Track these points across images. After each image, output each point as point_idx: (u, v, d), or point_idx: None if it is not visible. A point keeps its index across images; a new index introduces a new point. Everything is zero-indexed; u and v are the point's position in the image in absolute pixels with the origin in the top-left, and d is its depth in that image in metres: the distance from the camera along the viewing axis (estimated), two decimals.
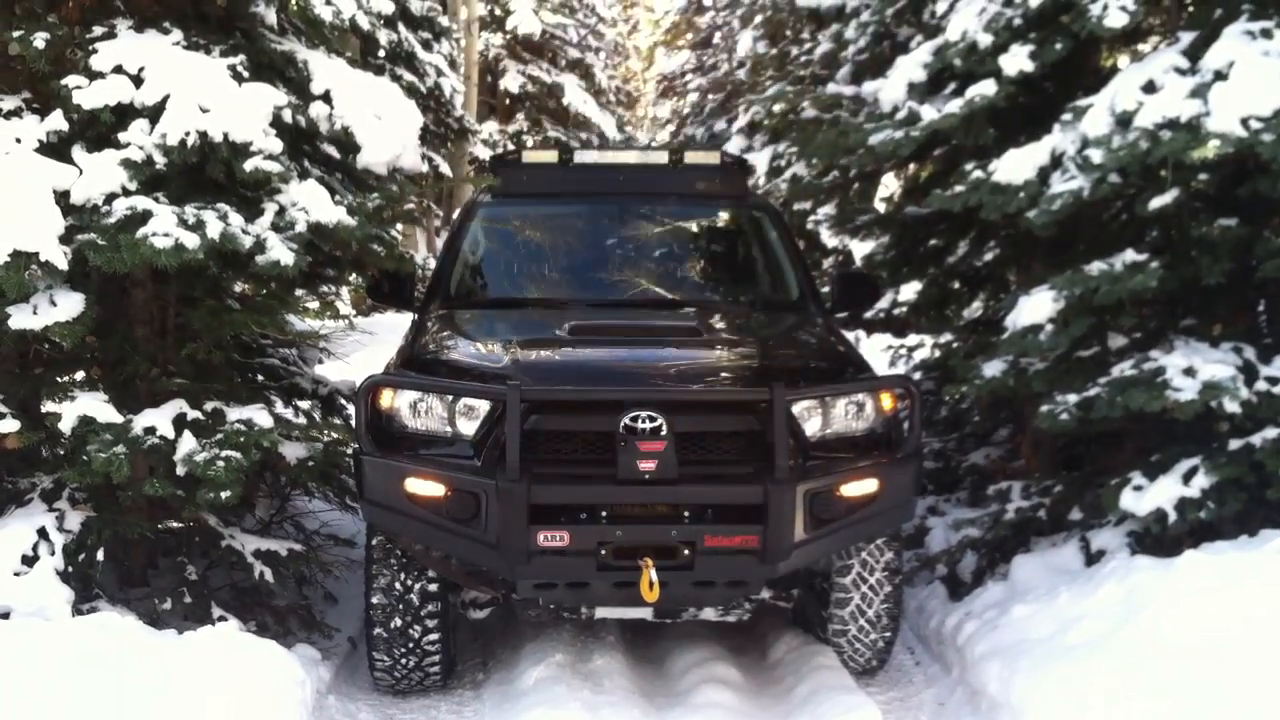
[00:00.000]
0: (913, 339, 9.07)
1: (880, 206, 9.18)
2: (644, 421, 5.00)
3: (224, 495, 5.21)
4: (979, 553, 6.55)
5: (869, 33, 7.39)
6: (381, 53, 16.86)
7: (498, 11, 27.13)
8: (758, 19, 18.03)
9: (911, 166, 8.49)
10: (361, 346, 7.88)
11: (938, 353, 8.90)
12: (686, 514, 4.99)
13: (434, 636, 5.54)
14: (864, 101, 6.99)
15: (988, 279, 8.28)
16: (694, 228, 7.14)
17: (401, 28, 17.64)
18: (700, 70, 31.99)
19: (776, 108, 7.71)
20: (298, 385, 6.84)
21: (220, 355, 5.74)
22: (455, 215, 7.23)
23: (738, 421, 5.18)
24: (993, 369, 6.16)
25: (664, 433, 4.99)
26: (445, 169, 18.90)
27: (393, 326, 10.20)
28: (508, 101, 28.41)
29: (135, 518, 5.61)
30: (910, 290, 8.62)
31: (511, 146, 26.61)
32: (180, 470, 5.25)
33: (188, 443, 5.29)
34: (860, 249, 9.70)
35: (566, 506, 4.98)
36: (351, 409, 7.00)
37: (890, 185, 9.02)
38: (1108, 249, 6.47)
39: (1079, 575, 5.79)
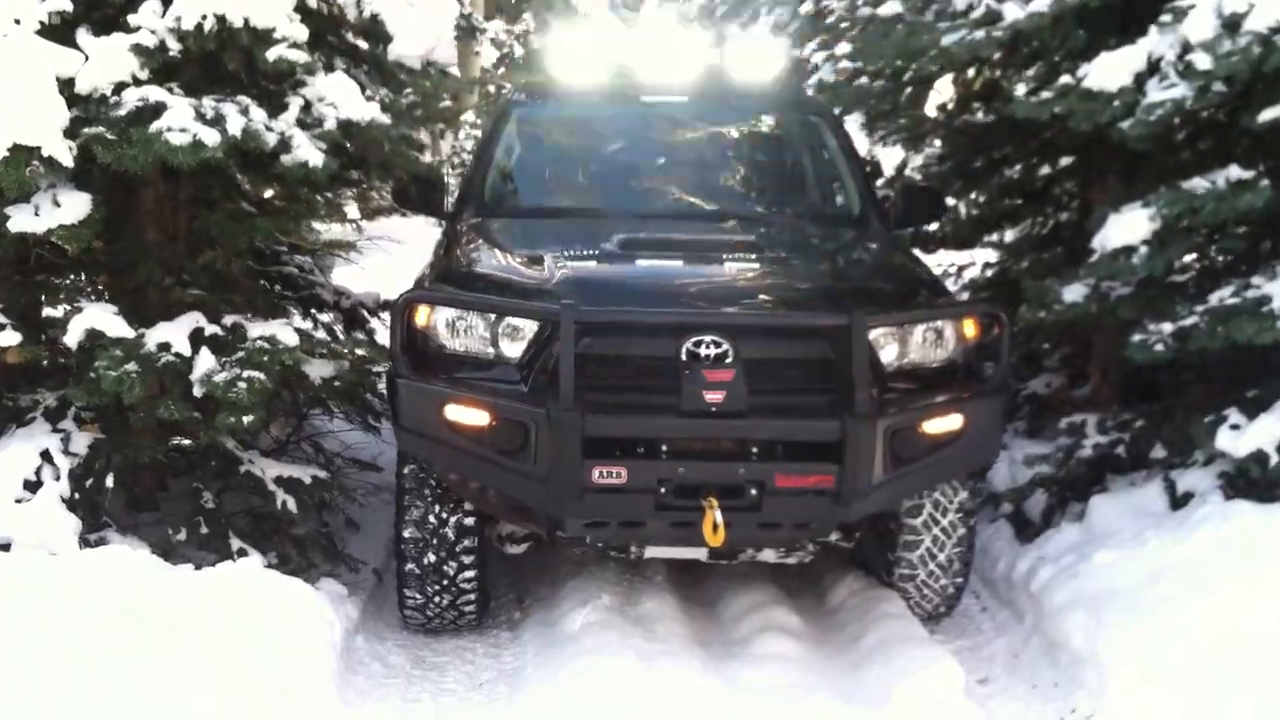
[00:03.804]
0: (964, 256, 8.56)
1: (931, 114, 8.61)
2: (709, 347, 4.54)
3: (246, 419, 4.76)
4: (1049, 491, 6.11)
5: None
6: None
7: None
8: None
9: (970, 71, 7.92)
10: (380, 252, 7.34)
11: (989, 272, 8.40)
12: (755, 450, 4.54)
13: (470, 574, 5.14)
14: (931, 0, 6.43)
15: (1049, 193, 7.77)
16: (747, 134, 6.61)
17: None
18: None
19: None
20: (318, 296, 6.38)
21: (240, 264, 5.24)
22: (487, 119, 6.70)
23: (810, 348, 4.71)
24: (1073, 293, 5.67)
25: (730, 360, 4.53)
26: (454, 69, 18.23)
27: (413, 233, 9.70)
28: (514, 1, 27.55)
29: (147, 440, 5.16)
30: (964, 204, 8.11)
31: (520, 47, 25.88)
32: (198, 391, 4.79)
33: (206, 361, 4.83)
34: (889, 158, 9.19)
35: (623, 440, 4.53)
36: (375, 323, 6.56)
37: (944, 92, 8.45)
38: (1202, 165, 6.02)
39: (1165, 519, 5.37)
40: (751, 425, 4.51)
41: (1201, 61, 4.98)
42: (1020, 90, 7.63)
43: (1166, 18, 5.21)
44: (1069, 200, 7.59)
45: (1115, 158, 6.50)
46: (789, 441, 4.55)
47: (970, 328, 4.93)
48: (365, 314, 6.50)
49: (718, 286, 4.98)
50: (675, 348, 4.55)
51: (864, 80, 9.70)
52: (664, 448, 4.52)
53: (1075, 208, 7.52)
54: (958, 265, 8.54)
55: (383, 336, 6.18)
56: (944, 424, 4.70)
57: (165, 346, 4.80)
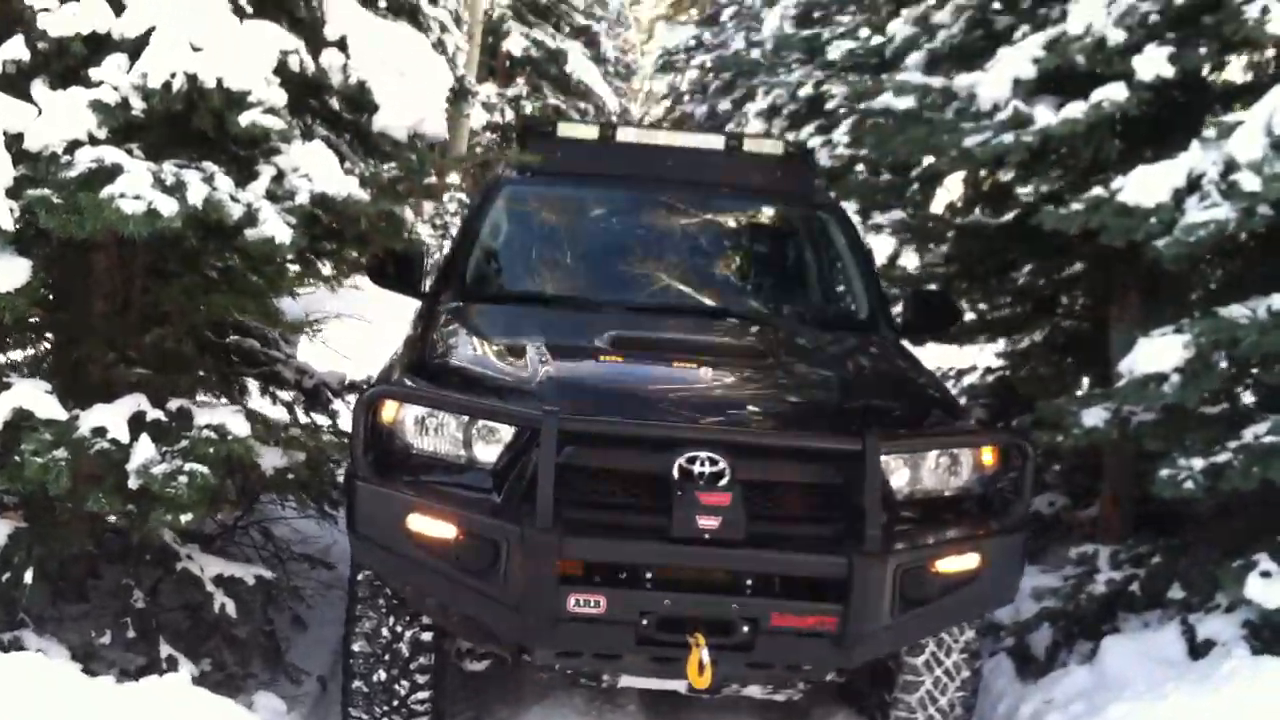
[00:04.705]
0: (965, 361, 8.17)
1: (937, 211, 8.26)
2: (704, 465, 4.11)
3: (185, 518, 4.28)
4: (1055, 626, 5.67)
5: (964, 18, 6.46)
6: (383, 2, 15.88)
7: None
8: None
9: (982, 171, 7.58)
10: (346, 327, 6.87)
11: (990, 379, 8.01)
12: (750, 583, 4.11)
13: (424, 694, 4.64)
14: (953, 96, 6.06)
15: (1059, 302, 7.42)
16: (752, 227, 6.24)
17: None
18: (703, 47, 31.00)
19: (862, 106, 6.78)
20: (278, 374, 5.91)
21: (192, 344, 4.78)
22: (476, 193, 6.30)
23: (814, 471, 4.30)
24: (1093, 417, 5.27)
25: (727, 481, 4.10)
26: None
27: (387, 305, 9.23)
28: (508, 64, 27.34)
29: (76, 530, 4.68)
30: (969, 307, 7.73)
31: (510, 112, 25.64)
32: (133, 483, 4.30)
33: (145, 449, 4.34)
34: (879, 246, 8.85)
35: (605, 565, 4.08)
36: (338, 404, 6.11)
37: (953, 189, 8.12)
38: (1231, 287, 5.67)
39: (1186, 670, 4.93)
40: (749, 557, 4.07)
41: (1248, 182, 4.63)
42: (1027, 191, 7.39)
43: (1211, 133, 4.87)
44: (1083, 311, 7.22)
45: (1137, 273, 6.15)
46: (788, 576, 4.11)
47: (989, 456, 4.52)
48: (329, 395, 6.03)
49: (715, 397, 4.57)
50: (667, 463, 4.13)
51: (860, 169, 9.40)
52: (649, 575, 4.08)
53: (1089, 320, 7.15)
54: (957, 369, 8.14)
55: (346, 421, 5.73)
56: (959, 563, 4.28)
57: (101, 431, 4.32)
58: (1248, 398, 5.24)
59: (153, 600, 5.00)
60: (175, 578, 4.94)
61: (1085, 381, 7.21)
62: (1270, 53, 5.79)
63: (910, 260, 8.78)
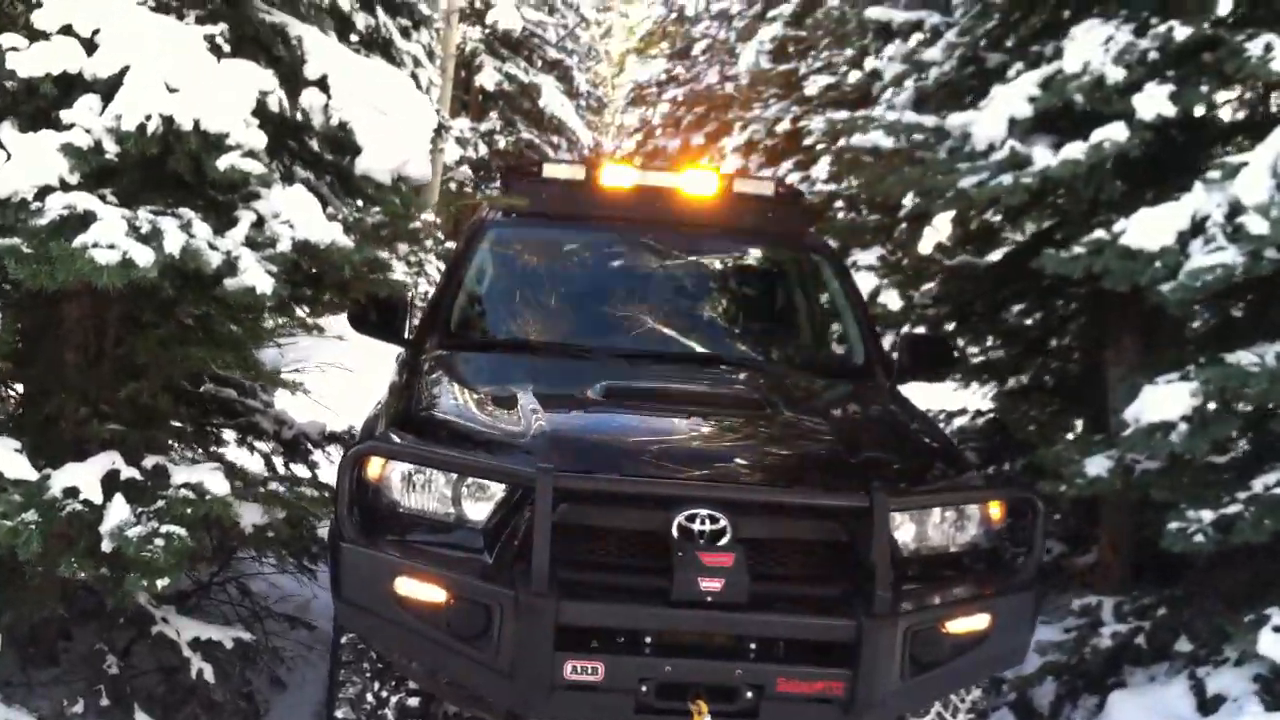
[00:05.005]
0: (955, 404, 8.03)
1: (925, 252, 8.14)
2: (704, 523, 3.95)
3: (161, 583, 4.07)
4: (1059, 679, 5.51)
5: (956, 56, 6.34)
6: (355, 37, 15.72)
7: (478, 4, 25.96)
8: (763, 32, 16.98)
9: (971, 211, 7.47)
10: (326, 375, 6.67)
11: (980, 421, 7.87)
12: (754, 647, 3.93)
13: None
14: (946, 134, 5.94)
15: (1051, 343, 7.29)
16: (744, 270, 6.09)
17: (380, 11, 16.52)
18: (675, 81, 31.00)
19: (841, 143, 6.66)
20: (256, 425, 5.71)
21: (167, 398, 4.58)
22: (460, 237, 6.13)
23: (818, 529, 4.14)
24: (1096, 466, 5.14)
25: (728, 539, 3.93)
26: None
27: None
28: (481, 98, 27.25)
29: (47, 593, 4.47)
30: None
31: (484, 146, 25.52)
32: (107, 546, 4.10)
33: (119, 510, 4.14)
34: (862, 284, 8.74)
35: (602, 630, 3.90)
36: (318, 455, 5.92)
37: (941, 229, 8.00)
38: (1230, 329, 5.55)
39: None
40: (753, 620, 3.90)
41: (1254, 225, 4.52)
42: (1019, 234, 7.27)
43: (1215, 174, 4.76)
44: (1076, 352, 7.09)
45: (1132, 314, 6.03)
46: (794, 639, 3.94)
47: (996, 510, 4.37)
48: (308, 446, 5.83)
49: (714, 450, 4.40)
50: (666, 522, 3.96)
51: (840, 205, 9.29)
52: (649, 640, 3.90)
53: (1082, 361, 7.03)
54: (947, 412, 8.00)
55: (326, 473, 5.53)
56: (970, 623, 4.11)
57: (73, 492, 4.12)
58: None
59: (127, 663, 4.80)
60: (150, 641, 4.73)
61: (1079, 424, 7.08)
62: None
63: (891, 298, 8.68)
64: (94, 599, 4.93)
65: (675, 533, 3.94)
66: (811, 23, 13.67)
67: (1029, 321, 7.32)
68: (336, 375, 6.46)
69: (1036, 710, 5.54)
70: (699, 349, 5.55)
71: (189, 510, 4.17)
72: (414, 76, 17.39)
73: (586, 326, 5.62)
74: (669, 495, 4.00)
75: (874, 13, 7.14)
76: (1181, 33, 5.16)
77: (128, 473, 4.32)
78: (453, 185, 22.98)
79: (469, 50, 26.14)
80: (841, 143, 7.24)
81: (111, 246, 3.91)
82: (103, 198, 4.16)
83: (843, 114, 7.60)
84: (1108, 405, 6.34)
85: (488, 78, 26.41)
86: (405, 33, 17.97)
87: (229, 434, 5.84)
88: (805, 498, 4.15)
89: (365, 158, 4.80)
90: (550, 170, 6.11)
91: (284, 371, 5.23)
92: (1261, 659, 4.73)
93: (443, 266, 9.75)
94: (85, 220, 4.01)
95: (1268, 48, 4.83)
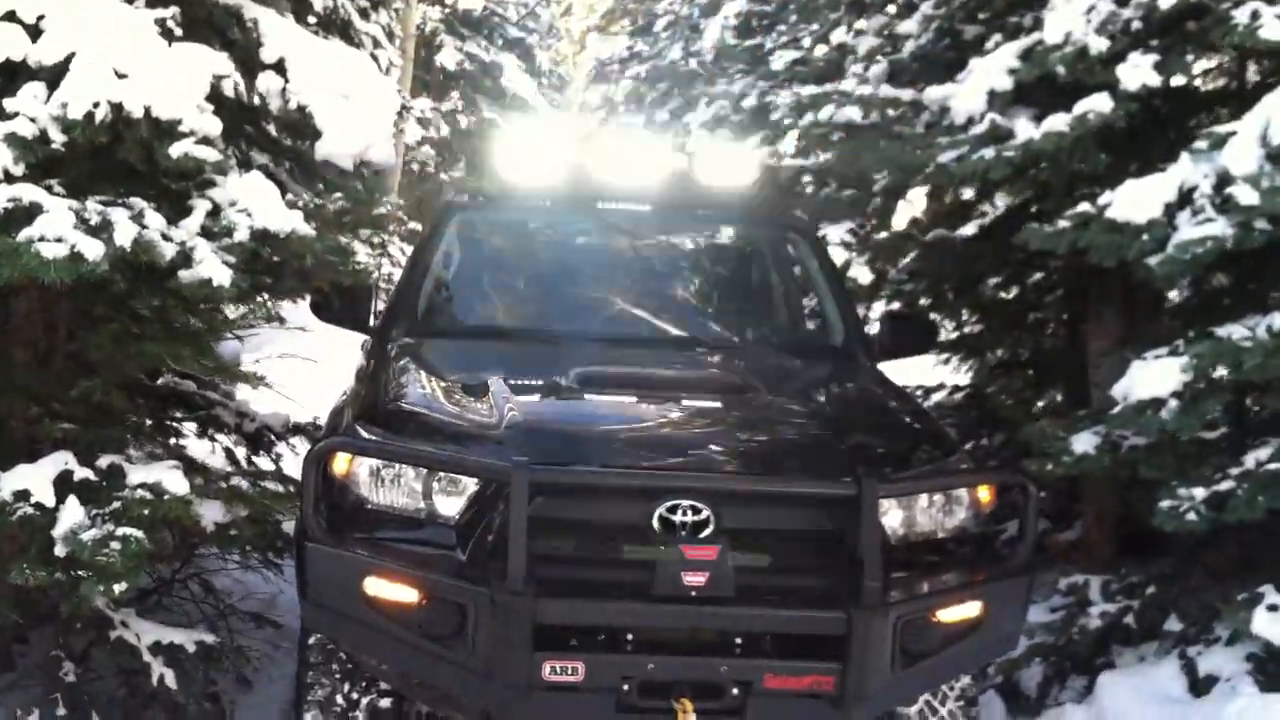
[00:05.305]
0: (932, 379, 7.92)
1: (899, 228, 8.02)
2: (686, 514, 3.80)
3: (118, 588, 3.90)
4: (1046, 661, 5.41)
5: (932, 28, 6.19)
6: (313, 19, 15.44)
7: None
8: (727, 7, 16.77)
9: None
10: (290, 365, 6.48)
11: (958, 397, 7.77)
12: (740, 642, 3.79)
13: None
14: (922, 108, 5.81)
15: (1029, 317, 7.20)
16: (721, 250, 5.93)
17: None
18: (638, 58, 30.71)
19: (809, 118, 6.49)
20: (217, 418, 5.52)
21: (121, 395, 4.40)
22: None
23: (804, 517, 3.99)
24: (1083, 443, 5.03)
25: (711, 531, 3.79)
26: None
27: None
28: (442, 78, 26.93)
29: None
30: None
31: (445, 126, 25.22)
32: (60, 550, 3.93)
33: (73, 513, 3.97)
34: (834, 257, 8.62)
35: (582, 628, 3.75)
36: (282, 447, 5.74)
37: (916, 204, 7.88)
38: (1214, 302, 5.45)
39: (1189, 708, 4.74)
40: (739, 615, 3.75)
41: (1244, 196, 4.40)
42: (996, 206, 7.14)
43: (1202, 145, 4.64)
44: (1055, 326, 6.99)
45: (1113, 286, 5.93)
46: (782, 633, 3.81)
47: (985, 494, 4.24)
48: (272, 438, 5.65)
49: (695, 437, 4.25)
50: (646, 513, 3.81)
51: (808, 180, 9.15)
52: (629, 637, 3.76)
53: (1062, 335, 6.93)
54: (925, 387, 7.89)
55: (290, 466, 5.36)
56: (961, 612, 3.97)
57: (24, 495, 3.95)
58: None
59: (85, 668, 4.62)
60: (109, 645, 4.56)
61: (1059, 398, 6.99)
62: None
63: (861, 273, 8.57)
64: (50, 602, 4.75)
65: (656, 525, 3.79)
66: None
67: (1006, 295, 7.22)
68: (300, 364, 6.28)
69: (1024, 693, 5.44)
70: (676, 331, 5.40)
71: (146, 511, 4.01)
72: (374, 57, 17.11)
73: (558, 310, 5.46)
74: (649, 486, 3.85)
75: None
76: (1165, 1, 5.04)
77: (81, 473, 4.15)
78: (415, 167, 22.70)
79: (429, 30, 25.83)
80: (810, 118, 7.08)
81: (59, 240, 3.74)
82: (50, 189, 4.00)
83: (810, 89, 7.43)
84: (1088, 379, 6.25)
85: (448, 57, 26.08)
86: (364, 13, 17.71)
87: (189, 427, 5.66)
88: (791, 486, 4.00)
89: (326, 142, 4.63)
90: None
91: (245, 364, 5.04)
92: (1255, 638, 4.63)
93: (407, 249, 9.57)
94: (31, 213, 3.84)
95: (1255, 15, 4.69)
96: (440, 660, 3.78)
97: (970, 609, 3.99)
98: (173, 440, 5.49)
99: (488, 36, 27.70)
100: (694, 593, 3.70)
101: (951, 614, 3.96)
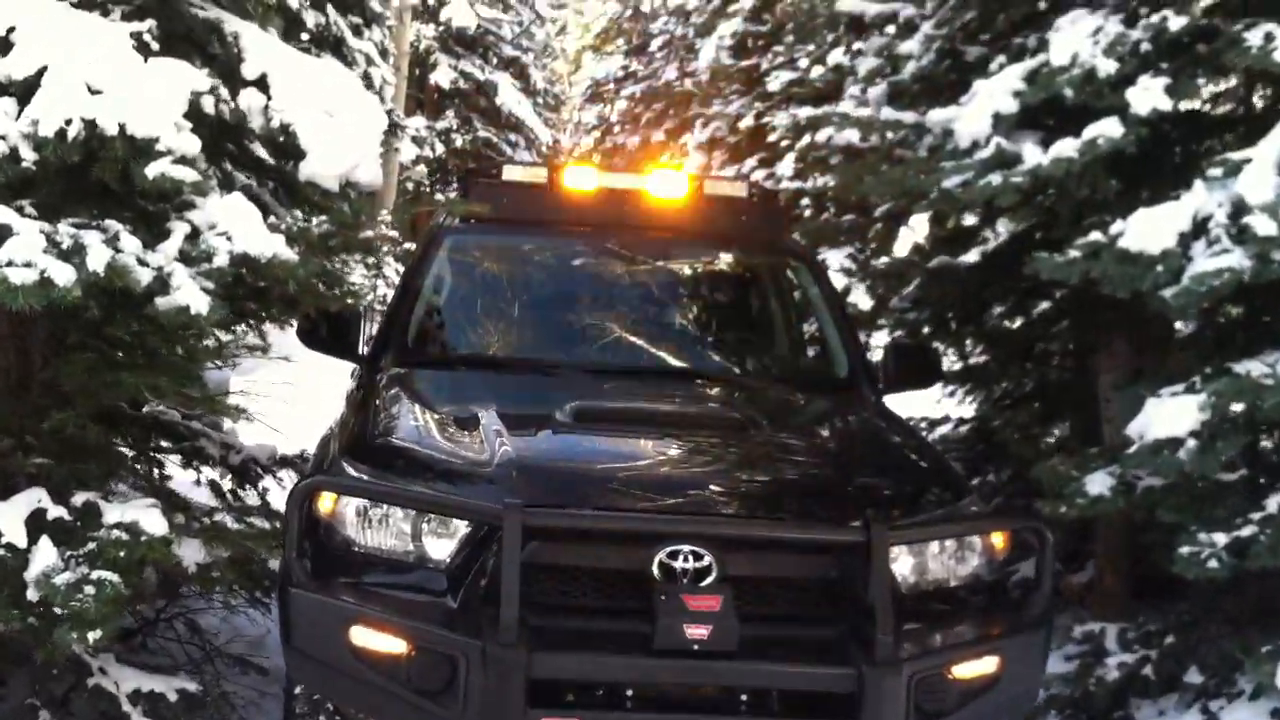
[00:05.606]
0: (937, 412, 7.73)
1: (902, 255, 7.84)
2: (687, 560, 3.61)
3: (93, 636, 3.69)
4: (1062, 713, 5.20)
5: (933, 49, 6.02)
6: (306, 35, 15.27)
7: (431, 1, 25.52)
8: (722, 27, 16.66)
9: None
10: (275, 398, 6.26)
11: (962, 429, 7.58)
12: (745, 699, 3.60)
13: None
14: (924, 131, 5.63)
15: (1035, 348, 7.01)
16: (718, 278, 5.74)
17: (330, 9, 16.08)
18: (633, 77, 30.64)
19: (806, 140, 6.33)
20: (201, 449, 5.31)
21: (97, 429, 4.19)
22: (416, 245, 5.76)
23: (812, 565, 3.81)
24: (1098, 484, 4.84)
25: (714, 578, 3.61)
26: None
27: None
28: (436, 97, 26.81)
29: None
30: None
31: (440, 145, 25.09)
32: (33, 594, 3.73)
33: (46, 554, 3.77)
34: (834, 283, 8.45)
35: (579, 683, 3.56)
36: (269, 481, 5.54)
37: (917, 230, 7.70)
38: (1228, 334, 5.28)
39: None
40: (745, 670, 3.57)
41: (1261, 226, 4.23)
42: (1001, 233, 6.97)
43: (1216, 171, 4.47)
44: (1063, 357, 6.81)
45: (1121, 317, 5.74)
46: (789, 690, 3.61)
47: (999, 540, 4.05)
48: (259, 471, 5.45)
49: (695, 478, 4.06)
50: (646, 559, 3.62)
51: (806, 203, 8.98)
52: (630, 693, 3.56)
53: (1070, 367, 6.75)
54: (929, 420, 7.70)
55: (276, 500, 5.16)
56: (978, 667, 3.78)
57: None
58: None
59: (65, 712, 4.40)
60: (88, 692, 4.34)
61: (1067, 431, 6.80)
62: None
63: (860, 298, 8.39)
64: (24, 647, 4.54)
65: (656, 571, 3.62)
66: (779, 13, 13.34)
67: (1012, 325, 7.05)
68: (287, 393, 6.07)
69: None
70: (673, 363, 5.23)
71: (122, 553, 3.80)
72: (367, 75, 16.97)
73: (553, 340, 5.28)
74: (649, 531, 3.66)
75: (846, 4, 6.82)
76: (1175, 23, 4.90)
77: (55, 511, 3.94)
78: (409, 185, 22.52)
79: (423, 48, 25.71)
80: (808, 140, 6.90)
81: (28, 264, 3.54)
82: (20, 210, 3.79)
83: (807, 110, 7.27)
84: (1099, 413, 6.07)
85: (443, 75, 25.98)
86: (357, 30, 17.58)
87: (173, 459, 5.45)
88: (798, 532, 3.81)
89: (310, 162, 4.42)
90: (510, 173, 5.75)
91: (234, 392, 4.84)
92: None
93: (402, 269, 9.38)
94: (0, 235, 3.63)
95: (1268, 37, 4.54)
96: (431, 717, 3.59)
97: (987, 664, 3.80)
98: (155, 472, 5.29)
99: (482, 55, 27.62)
100: (696, 646, 3.51)
101: (968, 669, 3.77)
